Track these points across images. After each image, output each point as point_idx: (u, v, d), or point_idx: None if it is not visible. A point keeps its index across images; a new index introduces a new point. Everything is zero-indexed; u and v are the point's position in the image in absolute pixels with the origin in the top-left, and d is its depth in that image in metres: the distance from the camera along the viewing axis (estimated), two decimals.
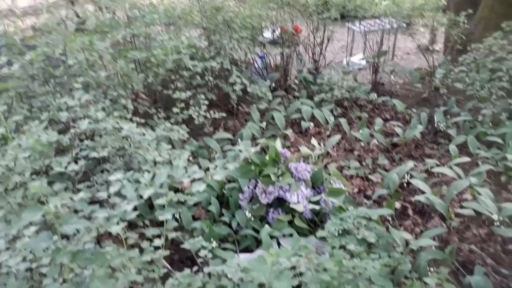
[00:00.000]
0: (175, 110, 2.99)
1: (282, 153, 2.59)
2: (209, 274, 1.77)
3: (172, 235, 1.78)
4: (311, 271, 1.69)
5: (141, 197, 1.49)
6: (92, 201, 1.78)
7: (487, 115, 3.29)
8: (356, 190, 2.88)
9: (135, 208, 1.49)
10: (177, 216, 2.36)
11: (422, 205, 2.74)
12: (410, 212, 2.62)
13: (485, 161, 2.86)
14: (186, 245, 1.94)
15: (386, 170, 3.13)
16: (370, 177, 3.04)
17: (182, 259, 2.31)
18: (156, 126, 2.97)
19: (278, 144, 2.73)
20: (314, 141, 2.71)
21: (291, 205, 2.28)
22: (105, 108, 2.38)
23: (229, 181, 2.80)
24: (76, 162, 1.84)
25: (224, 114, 3.14)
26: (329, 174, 2.59)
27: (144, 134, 2.18)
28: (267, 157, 2.61)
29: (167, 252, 1.72)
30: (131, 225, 2.37)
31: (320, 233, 2.27)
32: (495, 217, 2.21)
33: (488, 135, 3.07)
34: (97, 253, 1.43)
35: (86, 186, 2.07)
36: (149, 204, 2.39)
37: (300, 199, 2.33)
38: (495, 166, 2.89)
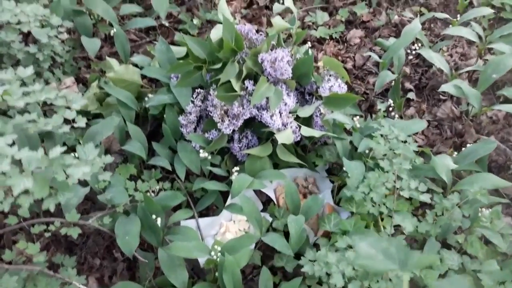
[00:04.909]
0: None
1: (242, 33, 1.50)
2: None
3: None
4: None
5: None
6: None
7: None
8: None
9: None
10: None
11: (419, 78, 2.03)
12: (413, 95, 1.91)
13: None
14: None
15: (365, 23, 2.23)
16: (347, 37, 2.14)
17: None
18: None
19: (225, 8, 1.59)
20: (288, 1, 1.60)
21: (275, 135, 1.38)
22: None
23: (150, 80, 1.70)
24: None
25: None
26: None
27: None
28: (215, 41, 1.51)
29: None
30: None
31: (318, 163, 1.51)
32: None
33: None
34: None
35: None
36: None
37: (285, 118, 1.42)
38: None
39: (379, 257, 0.84)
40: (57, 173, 0.79)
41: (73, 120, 1.09)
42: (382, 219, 1.34)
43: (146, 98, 1.53)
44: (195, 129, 1.50)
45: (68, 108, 1.05)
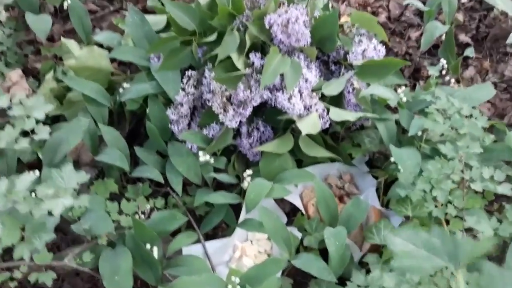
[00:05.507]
0: None
1: None
2: None
3: None
4: None
5: None
6: None
7: None
8: None
9: None
10: None
11: (477, 27, 2.00)
12: (471, 51, 1.87)
13: None
14: None
15: None
16: None
17: None
18: None
19: None
20: None
21: (296, 123, 1.36)
22: None
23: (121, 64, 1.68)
24: None
25: None
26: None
27: None
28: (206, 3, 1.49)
29: None
30: None
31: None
32: None
33: None
34: None
35: None
36: None
37: (307, 100, 1.40)
38: None
39: (422, 253, 0.81)
40: (30, 210, 0.78)
41: (32, 131, 1.07)
42: (447, 222, 1.32)
43: (120, 89, 1.50)
44: (189, 125, 1.48)
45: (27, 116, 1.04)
